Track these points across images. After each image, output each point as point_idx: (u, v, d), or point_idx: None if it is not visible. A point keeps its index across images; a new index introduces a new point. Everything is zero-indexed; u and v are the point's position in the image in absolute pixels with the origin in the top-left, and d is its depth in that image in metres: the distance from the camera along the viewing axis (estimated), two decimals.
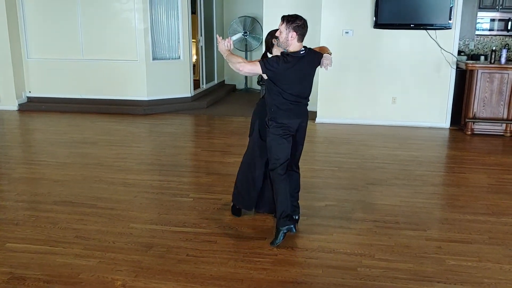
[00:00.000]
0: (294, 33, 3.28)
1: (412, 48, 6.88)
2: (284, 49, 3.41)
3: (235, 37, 10.12)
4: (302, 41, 3.37)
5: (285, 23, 3.29)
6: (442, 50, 6.77)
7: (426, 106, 7.03)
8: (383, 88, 7.08)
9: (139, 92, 8.10)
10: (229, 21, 10.39)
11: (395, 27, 6.80)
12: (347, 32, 6.99)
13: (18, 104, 8.28)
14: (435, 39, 6.73)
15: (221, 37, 3.47)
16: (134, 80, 8.09)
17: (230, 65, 3.40)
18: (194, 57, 9.26)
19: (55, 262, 3.17)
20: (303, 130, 3.58)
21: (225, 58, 3.41)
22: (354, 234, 3.63)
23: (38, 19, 8.18)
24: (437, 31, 6.70)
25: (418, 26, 6.70)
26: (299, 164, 3.79)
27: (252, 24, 10.09)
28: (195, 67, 9.13)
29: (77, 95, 8.30)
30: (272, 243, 3.41)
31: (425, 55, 6.86)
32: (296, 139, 3.58)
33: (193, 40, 8.87)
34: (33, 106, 8.30)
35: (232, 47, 3.43)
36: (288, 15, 3.33)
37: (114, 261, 3.19)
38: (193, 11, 8.71)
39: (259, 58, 3.55)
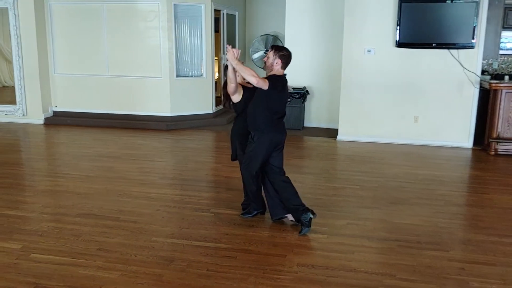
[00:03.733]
0: (280, 61, 3.84)
1: (434, 67, 6.85)
2: (267, 73, 3.92)
3: (256, 55, 10.24)
4: (284, 69, 3.91)
5: (273, 50, 3.87)
6: (464, 69, 6.72)
7: (449, 125, 6.97)
8: (405, 107, 7.05)
9: (163, 108, 8.23)
10: (251, 39, 10.53)
11: (417, 46, 6.80)
12: (369, 51, 7.01)
13: (44, 118, 8.49)
14: (457, 58, 6.69)
15: (230, 46, 3.87)
16: (158, 96, 8.22)
17: (241, 73, 3.78)
18: (216, 75, 9.37)
19: (77, 274, 3.22)
20: (283, 144, 4.05)
21: (234, 65, 3.79)
22: (375, 253, 3.60)
23: (66, 36, 8.41)
24: (459, 50, 6.66)
25: (440, 46, 6.68)
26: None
27: (273, 42, 10.18)
28: (217, 84, 9.24)
29: (102, 110, 8.46)
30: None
31: (447, 74, 6.82)
32: (278, 152, 4.01)
33: (216, 58, 9.00)
34: (59, 120, 8.49)
35: (239, 56, 3.86)
36: (277, 45, 3.99)
37: (136, 274, 3.22)
38: (216, 30, 8.85)
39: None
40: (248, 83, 4.06)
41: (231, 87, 3.99)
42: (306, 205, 3.93)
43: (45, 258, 3.43)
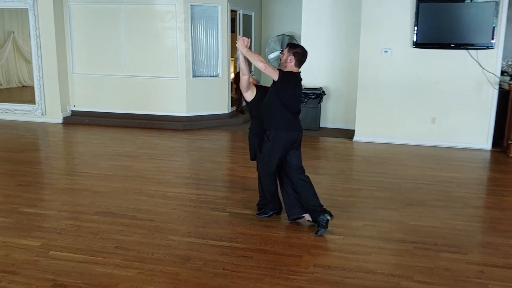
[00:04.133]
0: (293, 57, 3.87)
1: (452, 67, 6.77)
2: (283, 68, 3.93)
3: (272, 55, 10.24)
4: (299, 67, 3.93)
5: (288, 47, 3.92)
6: (484, 70, 6.63)
7: (467, 126, 6.88)
8: (422, 108, 6.99)
9: (179, 108, 8.27)
10: (267, 39, 10.53)
11: (434, 46, 6.73)
12: (386, 51, 6.96)
13: (63, 117, 8.60)
14: (476, 59, 6.61)
15: (241, 35, 4.06)
16: (174, 97, 8.27)
17: (250, 59, 3.85)
18: (232, 75, 9.39)
19: (95, 272, 3.26)
20: (299, 142, 4.04)
21: (244, 53, 3.87)
22: (392, 255, 3.57)
23: (84, 36, 8.52)
24: (478, 50, 6.58)
25: (458, 46, 6.61)
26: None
27: (290, 42, 10.17)
28: (232, 84, 9.26)
29: (119, 110, 8.54)
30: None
31: (466, 75, 6.74)
32: (295, 150, 4.00)
33: (232, 58, 9.02)
34: (77, 120, 8.59)
35: (249, 44, 3.95)
36: (293, 43, 4.10)
37: (153, 273, 3.24)
38: (232, 30, 8.87)
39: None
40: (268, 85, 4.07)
41: (243, 79, 4.00)
42: (324, 206, 3.91)
43: (64, 256, 3.48)
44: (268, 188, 4.09)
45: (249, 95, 4.10)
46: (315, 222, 3.91)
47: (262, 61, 3.79)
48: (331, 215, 3.84)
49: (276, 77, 3.79)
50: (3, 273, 3.22)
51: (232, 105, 8.81)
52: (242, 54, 3.90)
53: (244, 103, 4.32)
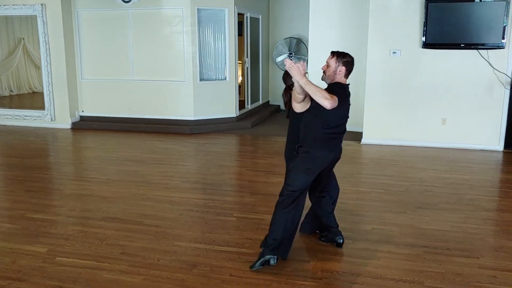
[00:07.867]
0: (344, 68, 3.36)
1: (462, 68, 6.69)
2: (327, 83, 3.41)
3: (280, 58, 10.21)
4: (347, 78, 3.43)
5: (335, 57, 3.37)
6: (494, 70, 6.54)
7: (478, 127, 6.78)
8: (432, 109, 6.90)
9: (186, 112, 8.27)
10: (274, 42, 10.50)
11: (444, 46, 6.65)
12: (394, 52, 6.89)
13: (71, 123, 8.63)
14: (487, 59, 6.51)
15: (292, 60, 3.15)
16: (181, 100, 8.27)
17: (311, 95, 3.12)
18: (240, 78, 9.38)
19: (101, 278, 3.24)
20: (334, 164, 3.58)
21: (302, 85, 3.09)
22: (402, 259, 3.50)
23: (93, 42, 8.55)
24: (489, 50, 6.49)
25: (468, 46, 6.52)
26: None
27: (297, 45, 10.14)
28: (240, 87, 9.25)
29: (127, 115, 8.56)
30: (251, 266, 3.34)
31: (476, 75, 6.65)
32: (326, 172, 3.55)
33: (239, 62, 9.00)
34: (85, 125, 8.62)
35: (305, 70, 3.16)
36: (338, 51, 3.42)
37: (159, 279, 3.21)
38: (240, 33, 8.86)
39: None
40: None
41: (298, 98, 3.33)
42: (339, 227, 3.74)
43: (70, 262, 3.47)
44: (276, 220, 3.38)
45: (300, 107, 3.42)
46: (327, 231, 3.77)
47: (327, 98, 3.02)
48: (342, 240, 3.65)
49: (337, 103, 3.12)
50: (9, 280, 3.21)
51: (240, 108, 8.77)
52: (299, 83, 3.14)
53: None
